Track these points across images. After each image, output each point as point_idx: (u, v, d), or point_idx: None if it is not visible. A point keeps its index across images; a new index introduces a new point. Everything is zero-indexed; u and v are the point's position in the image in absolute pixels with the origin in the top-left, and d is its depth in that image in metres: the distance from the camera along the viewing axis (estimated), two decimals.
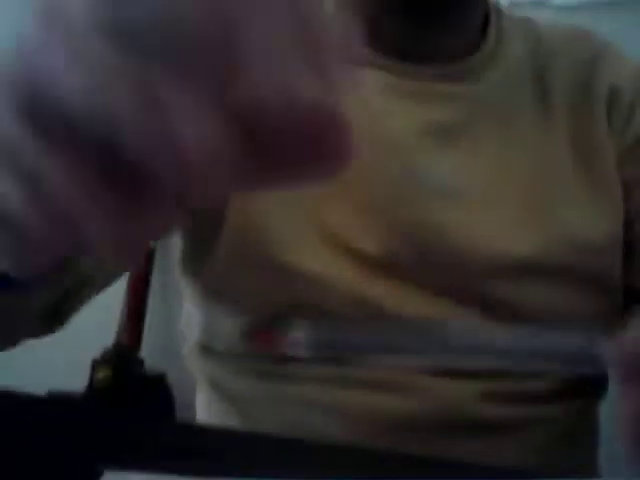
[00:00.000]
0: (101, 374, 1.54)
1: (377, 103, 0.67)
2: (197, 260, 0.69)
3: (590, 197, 0.67)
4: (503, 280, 0.65)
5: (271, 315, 0.66)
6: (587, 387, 0.72)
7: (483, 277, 0.65)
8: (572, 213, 0.67)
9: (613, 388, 0.75)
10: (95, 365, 1.55)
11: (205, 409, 0.78)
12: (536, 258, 0.65)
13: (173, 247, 0.72)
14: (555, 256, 0.65)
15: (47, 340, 0.61)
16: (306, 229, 0.65)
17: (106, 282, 0.65)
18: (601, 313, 0.68)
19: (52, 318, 0.59)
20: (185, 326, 0.76)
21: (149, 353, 1.65)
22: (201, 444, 0.53)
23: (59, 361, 1.51)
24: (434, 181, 0.66)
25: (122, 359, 1.58)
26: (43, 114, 0.27)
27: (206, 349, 0.74)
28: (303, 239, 0.65)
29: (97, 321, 1.26)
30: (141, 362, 1.63)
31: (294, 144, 0.29)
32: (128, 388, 1.57)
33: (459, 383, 0.66)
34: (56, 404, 0.66)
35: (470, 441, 0.66)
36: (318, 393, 0.67)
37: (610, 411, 0.79)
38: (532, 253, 0.65)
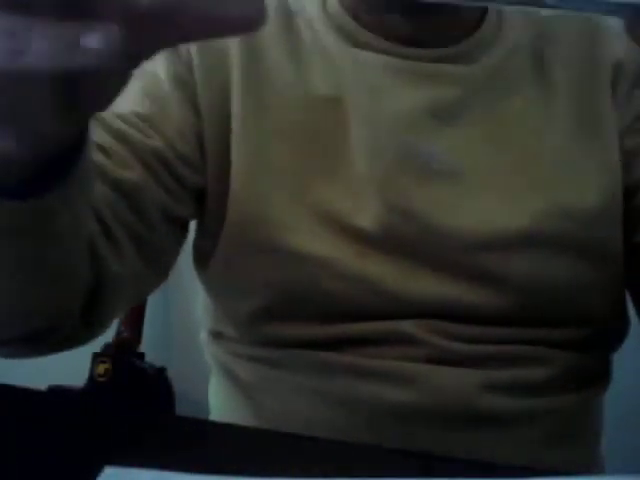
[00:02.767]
0: (101, 368, 1.54)
1: (376, 84, 0.67)
2: (206, 251, 0.70)
3: (588, 168, 0.67)
4: (501, 253, 0.66)
5: (274, 298, 0.67)
6: (589, 378, 0.72)
7: (481, 251, 0.65)
8: (569, 185, 0.67)
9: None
10: (95, 359, 1.55)
11: (216, 396, 0.79)
12: (533, 231, 0.65)
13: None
14: (552, 228, 0.66)
15: None
16: (302, 210, 0.66)
17: (139, 287, 0.66)
18: (599, 282, 0.68)
19: (88, 322, 0.59)
20: (201, 314, 0.78)
21: (149, 347, 1.65)
22: (201, 438, 0.53)
23: (59, 355, 1.51)
24: (431, 159, 0.66)
25: (122, 353, 1.58)
26: None
27: (218, 335, 0.75)
28: (300, 220, 0.66)
29: None
30: (141, 356, 1.63)
31: None
32: (128, 382, 1.57)
33: (459, 372, 0.66)
34: (56, 398, 0.66)
35: (471, 433, 0.66)
36: (319, 381, 0.68)
37: (613, 405, 0.79)
38: (529, 225, 0.65)
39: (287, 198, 0.66)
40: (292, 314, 0.67)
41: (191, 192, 0.67)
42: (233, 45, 0.68)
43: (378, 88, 0.67)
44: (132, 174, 0.62)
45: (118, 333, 1.60)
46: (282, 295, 0.67)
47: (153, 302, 1.63)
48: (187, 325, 0.78)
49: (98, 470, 0.45)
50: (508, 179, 0.67)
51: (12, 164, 0.39)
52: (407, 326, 0.66)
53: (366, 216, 0.65)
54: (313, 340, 0.67)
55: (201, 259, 0.72)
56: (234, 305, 0.71)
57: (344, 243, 0.65)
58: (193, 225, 0.72)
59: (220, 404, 0.79)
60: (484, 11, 0.72)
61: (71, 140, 0.41)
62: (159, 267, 0.68)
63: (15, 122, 0.36)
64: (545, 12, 0.75)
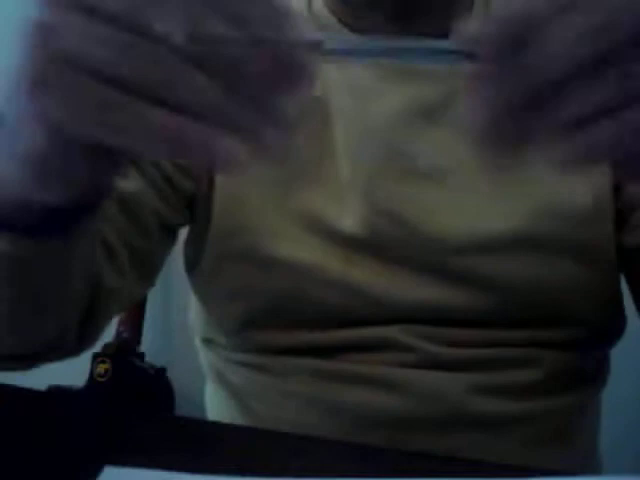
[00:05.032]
0: (101, 368, 1.54)
1: (361, 84, 0.67)
2: (193, 258, 0.70)
3: None
4: (489, 255, 0.65)
5: (261, 306, 0.67)
6: (582, 378, 0.71)
7: (468, 253, 0.65)
8: (557, 184, 0.66)
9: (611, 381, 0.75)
10: (95, 359, 1.55)
11: (211, 400, 0.79)
12: (521, 232, 0.65)
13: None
14: (540, 228, 0.65)
15: None
16: (287, 216, 0.65)
17: (130, 296, 0.66)
18: (590, 282, 0.67)
19: (82, 335, 0.59)
20: (193, 320, 0.78)
21: (149, 347, 1.65)
22: (201, 438, 0.53)
23: None
24: (416, 160, 0.65)
25: (122, 353, 1.58)
26: None
27: (209, 342, 0.75)
28: (284, 227, 0.65)
29: None
30: (141, 356, 1.63)
31: None
32: (128, 382, 1.57)
33: (447, 376, 0.65)
34: (56, 398, 0.67)
35: (461, 436, 0.66)
36: (308, 387, 0.67)
37: (610, 408, 0.79)
38: (517, 227, 0.64)
39: (271, 204, 0.65)
40: (279, 321, 0.67)
41: (184, 199, 0.67)
42: None
43: (362, 89, 0.66)
44: (131, 184, 0.62)
45: (118, 333, 1.60)
46: (268, 303, 0.66)
47: (153, 302, 1.63)
48: (187, 325, 0.78)
49: (98, 470, 0.45)
50: (495, 179, 0.66)
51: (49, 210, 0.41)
52: (394, 332, 0.66)
53: (351, 220, 0.64)
54: (300, 347, 0.67)
55: (189, 265, 0.71)
56: (222, 312, 0.70)
57: (329, 248, 0.65)
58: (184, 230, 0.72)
59: (214, 408, 0.78)
60: (469, 8, 0.71)
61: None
62: (149, 275, 0.68)
63: (64, 179, 0.38)
64: None
